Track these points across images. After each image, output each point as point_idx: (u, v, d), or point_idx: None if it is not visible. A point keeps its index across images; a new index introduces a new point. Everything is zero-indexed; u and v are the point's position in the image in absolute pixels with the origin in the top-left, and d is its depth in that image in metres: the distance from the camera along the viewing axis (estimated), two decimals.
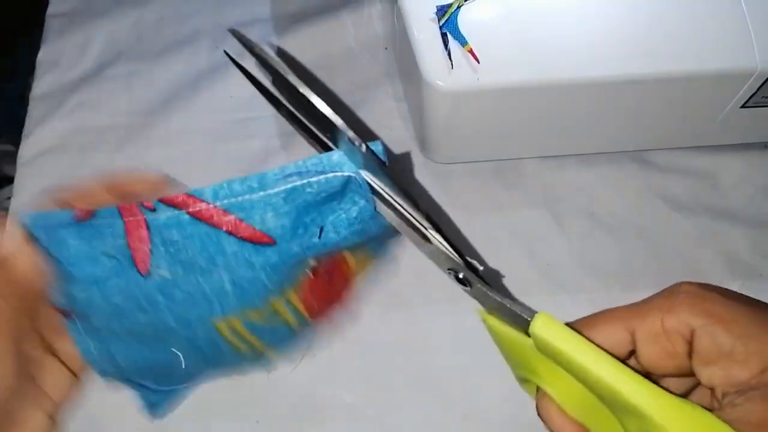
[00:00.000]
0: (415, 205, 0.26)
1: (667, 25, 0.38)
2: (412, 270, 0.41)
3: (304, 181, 0.25)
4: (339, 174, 0.25)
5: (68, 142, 0.47)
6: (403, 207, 0.26)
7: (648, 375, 0.26)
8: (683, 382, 0.28)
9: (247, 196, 0.26)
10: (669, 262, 0.43)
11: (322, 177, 0.25)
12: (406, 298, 0.41)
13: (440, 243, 0.27)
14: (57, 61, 0.50)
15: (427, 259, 0.28)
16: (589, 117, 0.41)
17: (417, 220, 0.26)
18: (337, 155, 0.26)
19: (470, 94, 0.37)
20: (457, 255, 0.27)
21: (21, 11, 0.95)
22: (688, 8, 0.38)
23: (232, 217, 0.26)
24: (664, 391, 0.23)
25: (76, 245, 0.27)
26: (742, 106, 0.41)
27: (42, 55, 0.51)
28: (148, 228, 0.27)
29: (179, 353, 0.31)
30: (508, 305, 0.26)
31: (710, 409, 0.24)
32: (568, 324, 0.26)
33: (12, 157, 0.96)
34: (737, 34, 0.38)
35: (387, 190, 0.26)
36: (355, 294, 0.34)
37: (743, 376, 0.24)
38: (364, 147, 0.25)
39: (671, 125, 0.44)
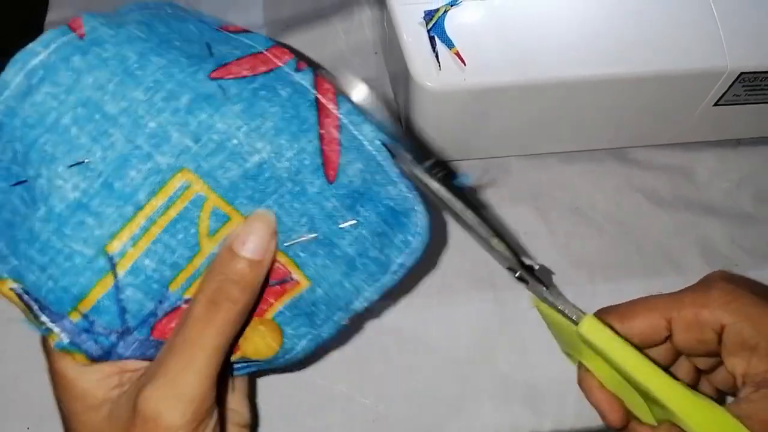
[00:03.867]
0: (480, 214, 0.29)
1: (642, 28, 0.40)
2: None
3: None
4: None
5: None
6: (471, 215, 0.29)
7: (680, 354, 0.30)
8: (709, 360, 0.31)
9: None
10: (649, 253, 0.45)
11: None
12: (398, 291, 0.43)
13: (499, 245, 0.29)
14: None
15: None
16: (571, 115, 0.43)
17: (481, 227, 0.29)
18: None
19: (457, 94, 0.39)
20: (514, 256, 0.29)
21: (16, 18, 0.96)
22: (663, 11, 0.40)
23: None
24: (687, 391, 0.26)
25: None
26: (715, 104, 0.43)
27: None
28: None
29: None
30: (560, 306, 0.29)
31: (731, 392, 0.27)
32: (610, 307, 0.30)
33: None
34: (708, 35, 0.40)
35: (457, 200, 0.29)
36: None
37: (761, 368, 0.27)
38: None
39: (649, 123, 0.45)
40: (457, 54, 0.38)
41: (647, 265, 0.45)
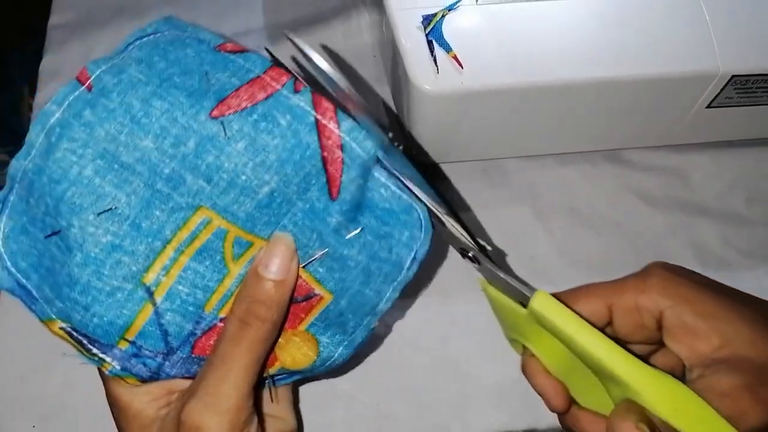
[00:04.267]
0: (436, 193, 0.30)
1: (636, 32, 0.40)
2: None
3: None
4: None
5: None
6: (425, 195, 0.30)
7: (619, 341, 0.29)
8: (648, 346, 0.31)
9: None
10: (644, 253, 0.46)
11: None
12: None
13: (453, 225, 0.30)
14: (58, 70, 0.52)
15: None
16: (566, 118, 0.44)
17: (435, 206, 0.30)
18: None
19: (455, 97, 0.39)
20: (468, 236, 0.30)
21: (13, 23, 0.97)
22: (656, 15, 0.41)
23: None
24: (644, 365, 0.26)
25: None
26: (708, 107, 0.43)
27: (44, 65, 0.52)
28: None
29: None
30: (511, 282, 0.29)
31: (675, 374, 0.27)
32: (553, 294, 0.29)
33: (5, 165, 0.98)
34: (700, 39, 0.41)
35: (413, 180, 0.30)
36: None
37: (705, 350, 0.28)
38: (397, 144, 0.29)
39: (643, 125, 0.46)
40: (455, 58, 0.39)
41: (642, 264, 0.44)
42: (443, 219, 0.30)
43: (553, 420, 0.40)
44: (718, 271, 0.45)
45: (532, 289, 0.29)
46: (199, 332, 0.29)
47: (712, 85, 0.41)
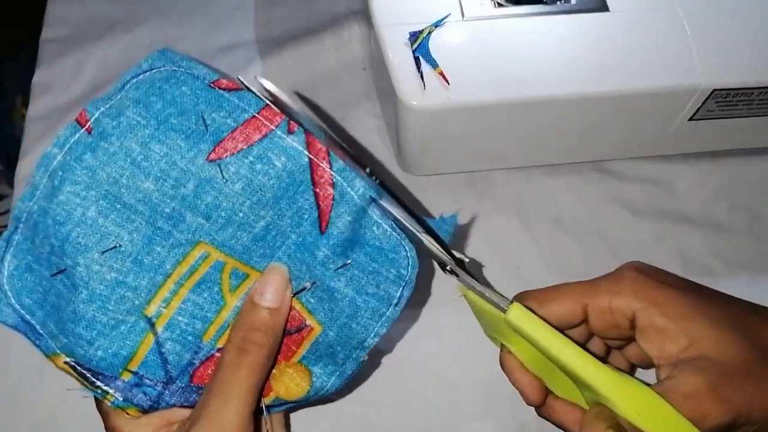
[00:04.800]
0: (410, 212, 0.31)
1: (619, 48, 0.41)
2: None
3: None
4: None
5: None
6: (401, 214, 0.31)
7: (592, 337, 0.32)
8: (619, 340, 0.33)
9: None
10: (628, 261, 0.47)
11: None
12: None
13: (430, 242, 0.31)
14: (51, 84, 0.52)
15: None
16: (551, 131, 0.44)
17: (411, 225, 0.31)
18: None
19: (442, 112, 0.40)
20: (444, 252, 0.31)
21: (6, 35, 0.97)
22: (638, 32, 0.42)
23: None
24: (612, 372, 0.28)
25: None
26: (690, 119, 0.44)
27: (37, 79, 0.53)
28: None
29: None
30: (487, 294, 0.31)
31: (642, 366, 0.30)
32: (527, 292, 0.31)
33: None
34: (682, 55, 0.41)
35: (389, 202, 0.31)
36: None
37: (674, 350, 0.29)
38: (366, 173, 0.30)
39: (627, 137, 0.47)
40: (441, 74, 0.39)
41: None
42: (421, 237, 0.31)
43: (541, 421, 0.41)
44: (701, 278, 0.45)
45: (507, 301, 0.30)
46: (197, 362, 0.30)
47: (694, 99, 0.42)
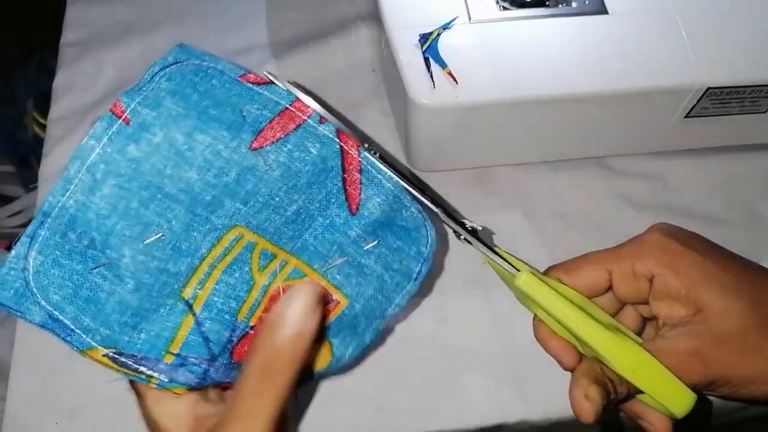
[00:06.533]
0: (424, 193, 0.33)
1: (618, 49, 0.43)
2: None
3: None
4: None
5: None
6: (417, 195, 0.33)
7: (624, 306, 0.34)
8: (650, 308, 0.34)
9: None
10: None
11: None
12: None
13: (442, 214, 0.33)
14: (71, 86, 0.54)
15: None
16: (554, 128, 0.46)
17: (427, 200, 0.33)
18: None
19: (450, 111, 0.42)
20: (456, 223, 0.33)
21: (17, 40, 0.99)
22: (636, 33, 0.44)
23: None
24: (609, 332, 0.31)
25: None
26: (686, 117, 0.46)
27: (58, 81, 0.54)
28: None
29: None
30: (498, 261, 0.33)
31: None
32: (555, 265, 0.34)
33: (10, 177, 1.00)
34: (678, 56, 0.43)
35: (407, 183, 0.33)
36: None
37: (681, 313, 0.31)
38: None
39: (627, 134, 0.49)
40: (450, 74, 0.41)
41: None
42: (435, 210, 0.34)
43: (544, 412, 0.43)
44: None
45: (524, 266, 0.33)
46: (235, 339, 0.31)
47: (689, 97, 0.44)
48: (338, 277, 0.33)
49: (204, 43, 0.56)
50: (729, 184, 0.52)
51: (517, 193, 0.50)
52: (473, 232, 0.34)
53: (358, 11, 0.58)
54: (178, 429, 0.30)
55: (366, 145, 0.32)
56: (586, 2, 0.45)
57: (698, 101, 0.44)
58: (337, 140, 0.31)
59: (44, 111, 0.93)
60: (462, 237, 0.34)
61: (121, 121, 0.29)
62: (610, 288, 0.34)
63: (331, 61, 0.55)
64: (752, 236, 0.50)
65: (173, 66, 0.30)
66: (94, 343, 0.29)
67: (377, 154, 0.33)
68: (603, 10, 0.45)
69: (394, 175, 0.32)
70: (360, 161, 0.32)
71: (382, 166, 0.32)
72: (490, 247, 0.34)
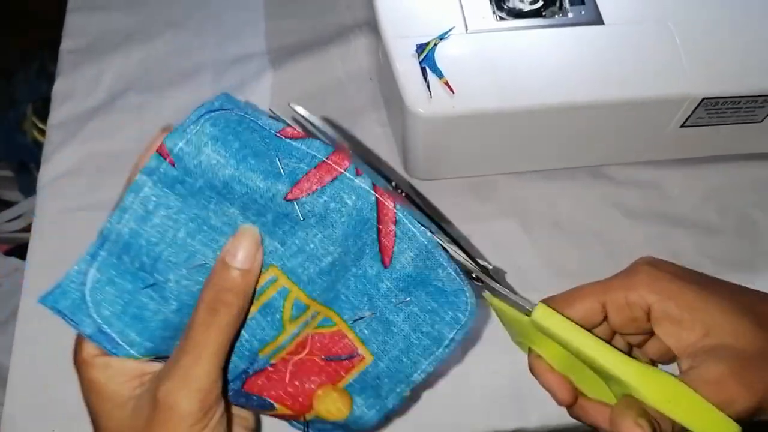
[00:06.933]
0: (438, 226, 0.33)
1: (614, 59, 0.44)
2: None
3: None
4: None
5: (84, 166, 0.51)
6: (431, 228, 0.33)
7: (614, 332, 0.33)
8: (639, 336, 0.34)
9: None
10: (623, 262, 0.47)
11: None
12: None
13: (456, 252, 0.33)
14: (71, 93, 0.54)
15: None
16: (550, 137, 0.47)
17: (440, 238, 0.33)
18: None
19: (447, 120, 0.42)
20: (470, 260, 0.33)
21: (17, 46, 1.00)
22: (632, 44, 0.44)
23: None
24: (638, 363, 0.29)
25: None
26: (681, 126, 0.46)
27: (57, 88, 0.55)
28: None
29: None
30: (512, 297, 0.32)
31: (663, 361, 0.31)
32: (547, 298, 0.33)
33: (9, 181, 1.00)
34: (673, 66, 0.44)
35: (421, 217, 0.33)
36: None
37: (691, 338, 0.31)
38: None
39: (623, 143, 0.49)
40: (447, 83, 0.42)
41: None
42: (447, 248, 0.33)
43: (540, 420, 0.43)
44: None
45: (532, 303, 0.32)
46: (251, 372, 0.33)
47: (685, 107, 0.44)
48: (366, 331, 0.33)
49: (203, 51, 0.57)
50: (724, 192, 0.52)
51: (513, 201, 0.51)
52: (485, 271, 0.33)
53: (356, 20, 0.58)
54: (123, 386, 0.31)
55: (393, 184, 0.32)
56: (582, 13, 0.45)
57: (694, 111, 0.45)
58: (373, 192, 0.31)
59: (43, 116, 0.94)
60: (474, 275, 0.33)
61: (167, 162, 0.30)
62: (603, 320, 0.34)
63: (329, 69, 0.56)
64: (747, 244, 0.50)
65: (219, 111, 0.31)
66: (138, 355, 0.31)
67: (403, 192, 0.33)
68: (599, 21, 0.45)
69: (427, 230, 0.32)
70: (395, 213, 0.32)
71: (415, 221, 0.32)
72: (504, 286, 0.33)
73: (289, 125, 0.31)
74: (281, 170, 0.30)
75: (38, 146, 0.90)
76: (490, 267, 0.33)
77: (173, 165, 0.30)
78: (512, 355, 0.44)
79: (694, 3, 0.46)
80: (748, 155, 0.52)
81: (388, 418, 0.35)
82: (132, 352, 0.31)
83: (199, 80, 0.55)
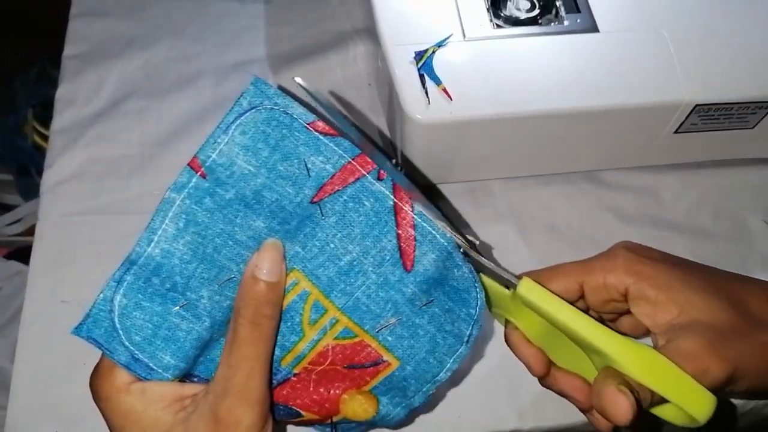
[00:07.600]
0: (428, 198, 0.34)
1: (608, 66, 0.44)
2: None
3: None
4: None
5: (86, 171, 0.52)
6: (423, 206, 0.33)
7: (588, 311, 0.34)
8: (613, 314, 0.36)
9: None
10: None
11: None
12: None
13: (445, 227, 0.33)
14: (74, 98, 0.55)
15: None
16: (546, 143, 0.47)
17: (429, 212, 0.33)
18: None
19: (444, 126, 0.43)
20: (459, 235, 0.34)
21: (17, 51, 1.00)
22: (626, 51, 0.45)
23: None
24: (619, 336, 0.31)
25: None
26: (675, 132, 0.47)
27: (60, 94, 0.55)
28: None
29: None
30: (497, 271, 0.34)
31: (635, 336, 0.33)
32: (529, 272, 0.34)
33: (9, 185, 1.01)
34: (667, 73, 0.44)
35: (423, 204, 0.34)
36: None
37: (667, 317, 0.32)
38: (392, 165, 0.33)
39: (617, 149, 0.50)
40: (444, 90, 0.42)
41: None
42: (436, 222, 0.33)
43: (536, 421, 0.44)
44: None
45: (516, 276, 0.33)
46: (275, 383, 0.33)
47: (678, 113, 0.45)
48: (390, 338, 0.34)
49: (203, 57, 0.57)
50: (718, 197, 0.53)
51: (509, 206, 0.51)
52: (472, 245, 0.34)
53: (356, 27, 0.59)
54: (164, 412, 0.31)
55: (393, 161, 0.33)
56: (578, 21, 0.46)
57: (687, 117, 0.46)
58: (392, 197, 0.32)
59: (44, 120, 0.94)
60: (461, 249, 0.34)
61: (198, 175, 0.31)
62: (580, 297, 0.35)
63: (328, 75, 0.56)
64: (741, 249, 0.51)
65: (247, 114, 0.31)
66: (172, 378, 0.31)
67: (402, 170, 0.33)
68: (594, 29, 0.46)
69: (447, 230, 0.33)
70: (413, 217, 0.32)
71: (432, 222, 0.33)
72: (485, 259, 0.34)
73: (320, 119, 0.32)
74: (308, 172, 0.31)
75: (38, 150, 0.91)
76: (477, 242, 0.35)
77: (204, 177, 0.31)
78: (507, 360, 0.45)
79: (687, 12, 0.47)
80: (741, 160, 0.53)
81: (412, 414, 0.35)
82: (166, 375, 0.31)
83: (200, 86, 0.56)
